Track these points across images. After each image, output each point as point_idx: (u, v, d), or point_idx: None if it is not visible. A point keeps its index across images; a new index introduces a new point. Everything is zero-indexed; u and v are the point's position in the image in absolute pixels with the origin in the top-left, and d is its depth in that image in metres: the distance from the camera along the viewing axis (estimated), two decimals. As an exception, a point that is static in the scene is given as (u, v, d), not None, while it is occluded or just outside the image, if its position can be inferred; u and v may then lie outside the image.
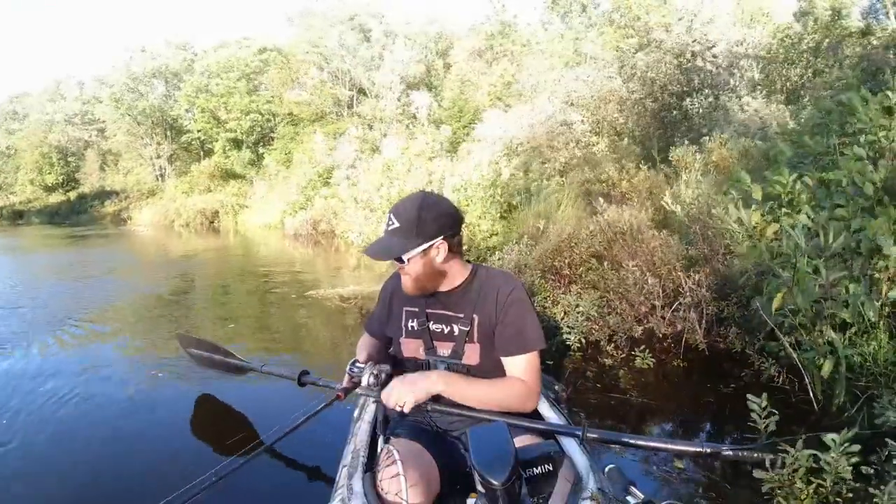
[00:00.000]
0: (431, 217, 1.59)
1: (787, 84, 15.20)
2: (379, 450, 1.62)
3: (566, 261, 3.85)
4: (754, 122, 10.31)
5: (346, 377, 1.85)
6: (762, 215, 3.07)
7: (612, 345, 3.68)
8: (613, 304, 3.66)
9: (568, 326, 3.61)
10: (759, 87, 13.87)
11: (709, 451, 1.54)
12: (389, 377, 1.70)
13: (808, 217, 3.38)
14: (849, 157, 3.61)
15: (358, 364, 1.80)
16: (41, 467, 2.78)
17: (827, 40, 14.11)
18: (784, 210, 3.47)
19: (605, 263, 3.71)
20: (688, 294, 3.45)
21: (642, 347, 3.53)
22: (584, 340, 3.66)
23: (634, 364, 3.50)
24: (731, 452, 1.56)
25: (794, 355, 2.84)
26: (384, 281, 1.94)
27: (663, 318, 3.59)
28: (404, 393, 1.57)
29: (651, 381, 3.38)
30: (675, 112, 9.92)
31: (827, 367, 2.77)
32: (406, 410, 1.58)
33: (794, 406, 2.92)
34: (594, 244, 3.78)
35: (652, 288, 3.48)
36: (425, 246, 1.59)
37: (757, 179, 3.69)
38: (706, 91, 9.93)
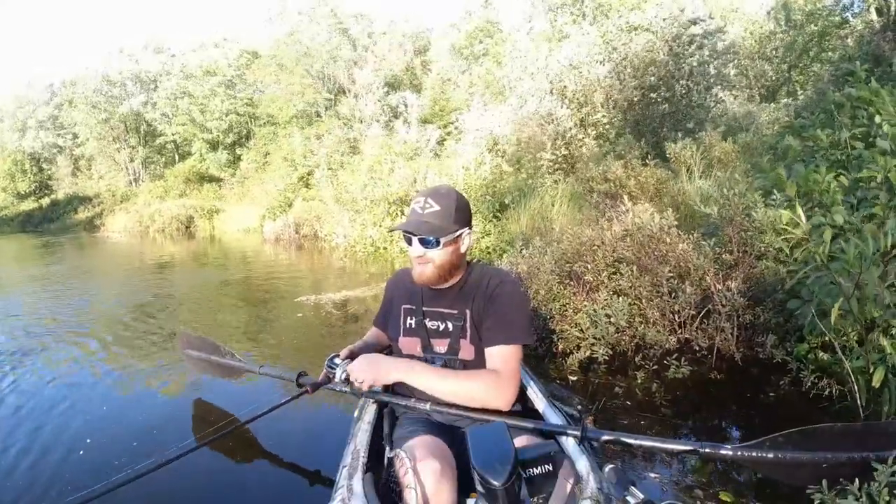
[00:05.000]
0: (465, 206, 1.65)
1: (763, 80, 15.27)
2: (387, 456, 1.65)
3: (589, 265, 3.61)
4: (742, 115, 10.25)
5: (324, 371, 1.94)
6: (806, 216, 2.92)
7: (640, 356, 3.46)
8: (645, 312, 3.42)
9: (594, 337, 3.36)
10: (735, 83, 13.87)
11: (708, 450, 1.53)
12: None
13: (843, 216, 3.26)
14: (873, 152, 3.48)
15: (335, 360, 1.88)
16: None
17: (800, 38, 14.18)
18: (815, 209, 3.33)
19: (634, 268, 3.46)
20: (722, 301, 3.23)
21: (675, 356, 3.31)
22: (610, 352, 3.41)
23: (667, 376, 3.28)
24: (730, 452, 1.53)
25: (846, 363, 2.68)
26: (387, 281, 1.99)
27: (696, 327, 3.37)
28: (363, 372, 1.65)
29: (685, 397, 3.15)
30: (664, 106, 9.76)
31: (878, 375, 2.63)
32: (364, 389, 1.69)
33: (835, 415, 2.76)
34: (623, 248, 3.52)
35: (689, 297, 3.25)
36: (460, 232, 1.63)
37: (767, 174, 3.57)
38: (697, 78, 9.78)
